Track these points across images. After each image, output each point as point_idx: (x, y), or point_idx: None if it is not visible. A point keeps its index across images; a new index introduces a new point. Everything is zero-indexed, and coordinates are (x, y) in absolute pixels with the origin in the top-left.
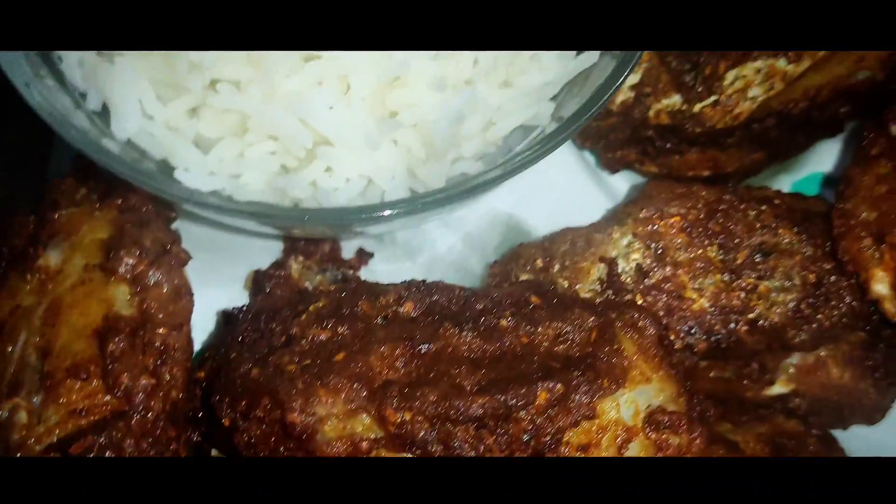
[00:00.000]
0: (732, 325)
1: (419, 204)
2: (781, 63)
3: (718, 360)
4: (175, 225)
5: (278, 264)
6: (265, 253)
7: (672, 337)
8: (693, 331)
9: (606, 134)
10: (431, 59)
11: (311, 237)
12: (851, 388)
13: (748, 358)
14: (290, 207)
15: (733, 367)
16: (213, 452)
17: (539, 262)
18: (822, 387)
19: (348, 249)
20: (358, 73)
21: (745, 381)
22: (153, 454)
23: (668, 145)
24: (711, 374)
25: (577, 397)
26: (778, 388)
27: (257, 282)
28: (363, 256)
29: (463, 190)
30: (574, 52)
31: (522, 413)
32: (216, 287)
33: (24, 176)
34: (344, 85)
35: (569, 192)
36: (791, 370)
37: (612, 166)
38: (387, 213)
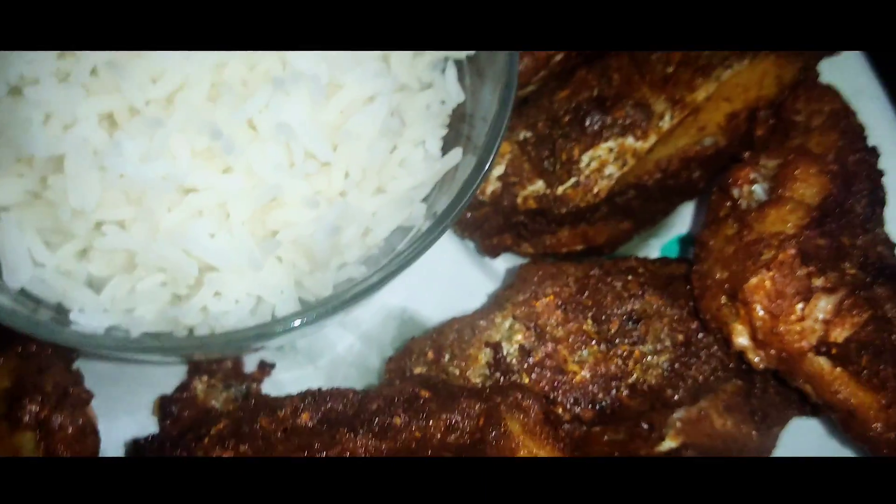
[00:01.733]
0: (614, 392)
1: (309, 315)
2: (630, 141)
3: (610, 424)
4: (77, 364)
5: (183, 387)
6: (170, 377)
7: (559, 410)
8: (578, 401)
9: (482, 223)
10: (303, 179)
11: (212, 358)
12: (735, 434)
13: (637, 418)
14: (184, 337)
15: (625, 428)
16: None
17: (430, 355)
18: (709, 436)
19: (250, 363)
20: (236, 200)
21: (637, 441)
22: None
23: (539, 227)
24: (605, 438)
25: None
26: (668, 443)
27: (164, 407)
28: (265, 368)
29: (352, 295)
30: (440, 154)
31: None
32: (125, 417)
33: None
34: (224, 212)
35: (455, 281)
36: (678, 424)
37: (492, 251)
38: (281, 328)
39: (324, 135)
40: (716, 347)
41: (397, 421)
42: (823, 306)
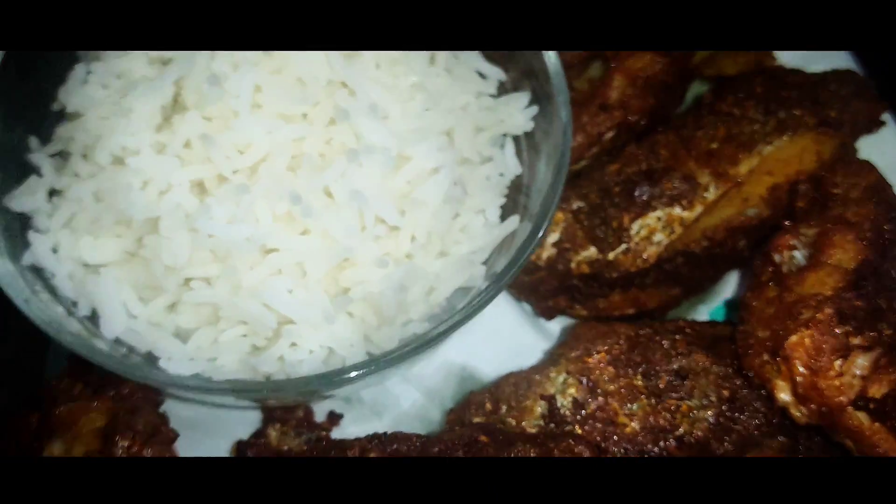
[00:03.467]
0: (662, 444)
1: (375, 364)
2: (677, 211)
3: None
4: (163, 408)
5: (258, 434)
6: (245, 425)
7: None
8: (628, 451)
9: (538, 286)
10: (373, 241)
11: (285, 405)
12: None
13: None
14: (262, 381)
15: None
16: None
17: (488, 406)
18: None
19: (320, 413)
20: (312, 260)
21: None
22: None
23: (592, 291)
24: None
25: None
26: None
27: (240, 451)
28: (334, 418)
29: (413, 347)
30: (498, 221)
31: None
32: None
33: (23, 380)
34: (301, 271)
35: (512, 340)
36: None
37: (547, 313)
38: (349, 375)
39: (393, 202)
40: (759, 403)
41: None
42: (861, 363)
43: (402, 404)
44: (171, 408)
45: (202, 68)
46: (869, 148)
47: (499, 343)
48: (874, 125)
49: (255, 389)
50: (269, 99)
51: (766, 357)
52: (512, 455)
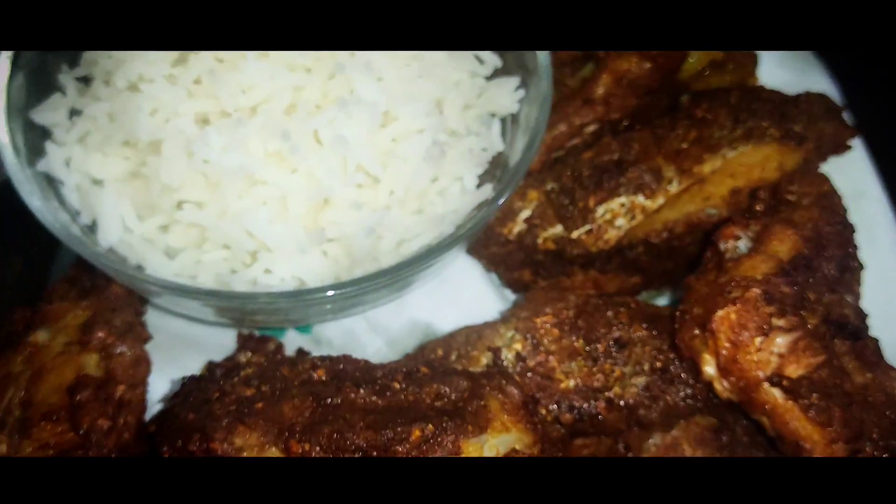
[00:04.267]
0: (593, 402)
1: (342, 288)
2: (640, 199)
3: (590, 436)
4: (147, 324)
5: (230, 358)
6: (220, 350)
7: (543, 411)
8: (560, 405)
9: (506, 259)
10: (353, 188)
11: (260, 327)
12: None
13: (615, 436)
14: (236, 291)
15: (605, 445)
16: None
17: (440, 352)
18: None
19: (290, 349)
20: (295, 196)
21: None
22: None
23: (556, 268)
24: (585, 452)
25: (444, 436)
26: None
27: (210, 370)
28: (302, 355)
29: (378, 277)
30: (475, 185)
31: (399, 447)
32: (177, 373)
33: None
34: (284, 205)
35: (476, 306)
36: (653, 449)
37: (513, 285)
38: (315, 296)
39: (376, 154)
40: (688, 377)
41: (396, 385)
42: (780, 343)
43: (367, 350)
44: (152, 321)
45: None
46: (836, 173)
47: (463, 307)
48: (841, 147)
49: (229, 297)
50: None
51: (696, 331)
52: (446, 384)
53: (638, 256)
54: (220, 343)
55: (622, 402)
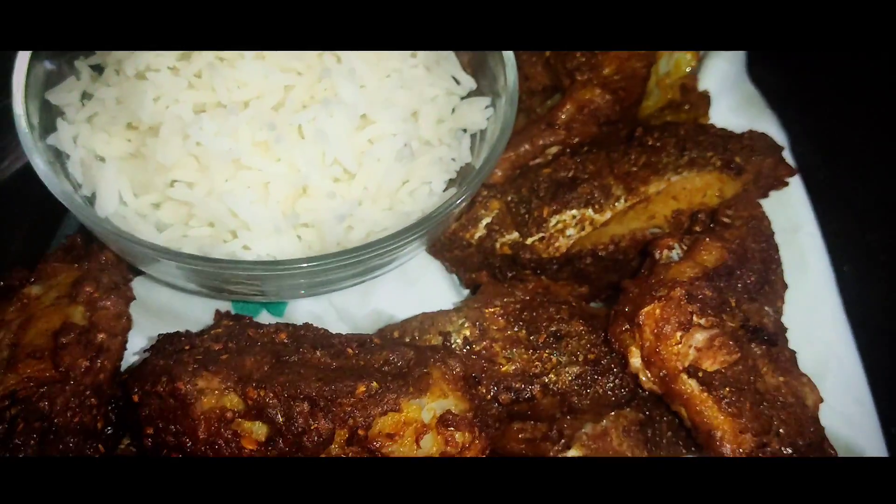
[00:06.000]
0: (530, 386)
1: (310, 262)
2: (590, 212)
3: (526, 420)
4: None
5: (208, 329)
6: (198, 325)
7: (483, 390)
8: (499, 385)
9: (466, 261)
10: (330, 179)
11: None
12: (629, 456)
13: (550, 422)
14: (216, 258)
15: (539, 430)
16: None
17: (396, 335)
18: (607, 454)
19: None
20: (277, 183)
21: (546, 443)
22: (76, 417)
23: (511, 273)
24: (520, 435)
25: (387, 394)
26: (574, 452)
27: (186, 332)
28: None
29: (346, 255)
30: (442, 189)
31: (345, 399)
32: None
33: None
34: (266, 191)
35: (437, 301)
36: (584, 437)
37: (470, 284)
38: (288, 267)
39: (353, 152)
40: (618, 370)
41: (349, 351)
42: (699, 338)
43: None
44: (138, 292)
45: None
46: (774, 207)
47: (425, 303)
48: (779, 183)
49: (210, 262)
50: (272, 53)
51: (626, 326)
52: (393, 352)
53: (586, 267)
54: (199, 319)
55: (556, 388)
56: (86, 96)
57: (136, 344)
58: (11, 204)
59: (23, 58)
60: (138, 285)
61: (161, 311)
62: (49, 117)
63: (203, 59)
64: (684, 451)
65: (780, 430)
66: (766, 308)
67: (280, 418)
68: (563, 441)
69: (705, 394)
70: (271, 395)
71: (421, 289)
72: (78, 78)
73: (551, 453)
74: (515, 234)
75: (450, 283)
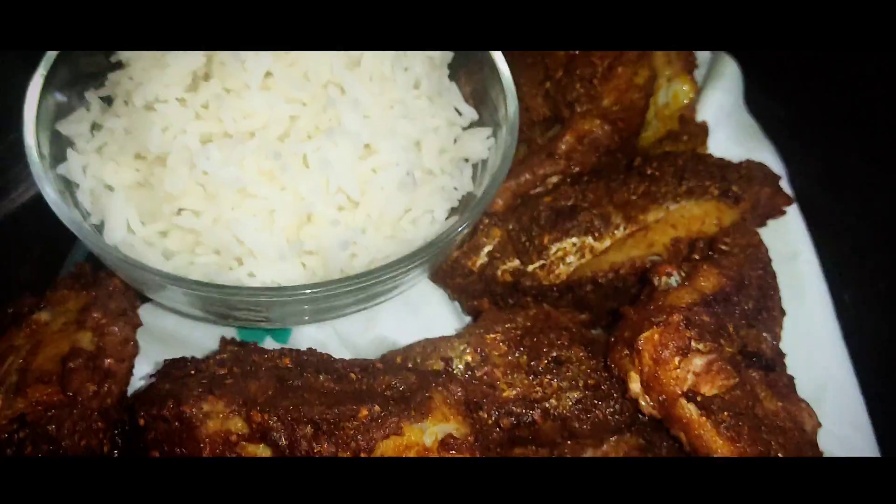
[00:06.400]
0: (531, 412)
1: (315, 288)
2: (589, 240)
3: (528, 445)
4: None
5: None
6: (204, 352)
7: (484, 415)
8: (500, 410)
9: (468, 288)
10: (334, 207)
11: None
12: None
13: (551, 447)
14: (223, 284)
15: (541, 454)
16: None
17: (399, 360)
18: None
19: None
20: (282, 211)
21: None
22: (83, 441)
23: (513, 301)
24: None
25: (389, 418)
26: None
27: (192, 358)
28: None
29: (351, 281)
30: (444, 218)
31: (347, 423)
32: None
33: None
34: (271, 218)
35: (438, 328)
36: None
37: (472, 312)
38: (294, 293)
39: (356, 180)
40: (618, 396)
41: (353, 376)
42: (697, 363)
43: None
44: (145, 318)
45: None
46: (772, 235)
47: (428, 330)
48: (777, 212)
49: (216, 288)
50: (278, 83)
51: (625, 352)
52: (396, 378)
53: (586, 294)
54: (205, 345)
55: (557, 413)
56: (95, 127)
57: (143, 370)
58: (22, 233)
59: (34, 89)
60: (145, 312)
61: (167, 338)
62: (59, 148)
63: (210, 90)
64: None
65: (779, 455)
66: (764, 334)
67: (283, 441)
68: None
69: (704, 418)
70: (275, 418)
71: (423, 316)
72: (88, 109)
73: None
74: (517, 262)
75: (452, 310)
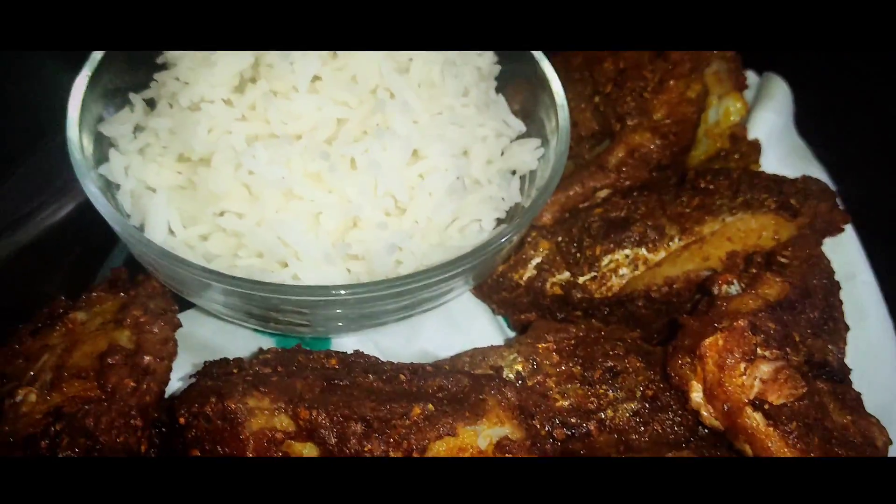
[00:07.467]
0: (585, 422)
1: (359, 289)
2: (643, 252)
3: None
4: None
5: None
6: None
7: (537, 424)
8: (553, 421)
9: (514, 302)
10: (381, 211)
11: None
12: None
13: None
14: (265, 282)
15: None
16: None
17: (446, 367)
18: None
19: None
20: (328, 213)
21: None
22: (120, 437)
23: (560, 315)
24: None
25: (443, 418)
26: None
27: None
28: None
29: (394, 283)
30: (492, 228)
31: (399, 421)
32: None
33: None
34: (317, 221)
35: (484, 344)
36: None
37: (519, 326)
38: (339, 293)
39: (404, 184)
40: (677, 407)
41: (402, 377)
42: (764, 370)
43: None
44: (183, 328)
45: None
46: (830, 254)
47: (471, 345)
48: (834, 229)
49: (260, 285)
50: (326, 86)
51: (686, 359)
52: (448, 379)
53: (638, 309)
54: (242, 354)
55: (613, 425)
56: (138, 128)
57: (179, 377)
58: (59, 242)
59: (78, 90)
60: (182, 320)
61: (204, 347)
62: (101, 149)
63: (257, 91)
64: None
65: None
66: (830, 346)
67: (332, 440)
68: None
69: (771, 428)
70: (324, 415)
71: (467, 330)
72: (131, 110)
73: None
74: (567, 274)
75: (496, 326)
